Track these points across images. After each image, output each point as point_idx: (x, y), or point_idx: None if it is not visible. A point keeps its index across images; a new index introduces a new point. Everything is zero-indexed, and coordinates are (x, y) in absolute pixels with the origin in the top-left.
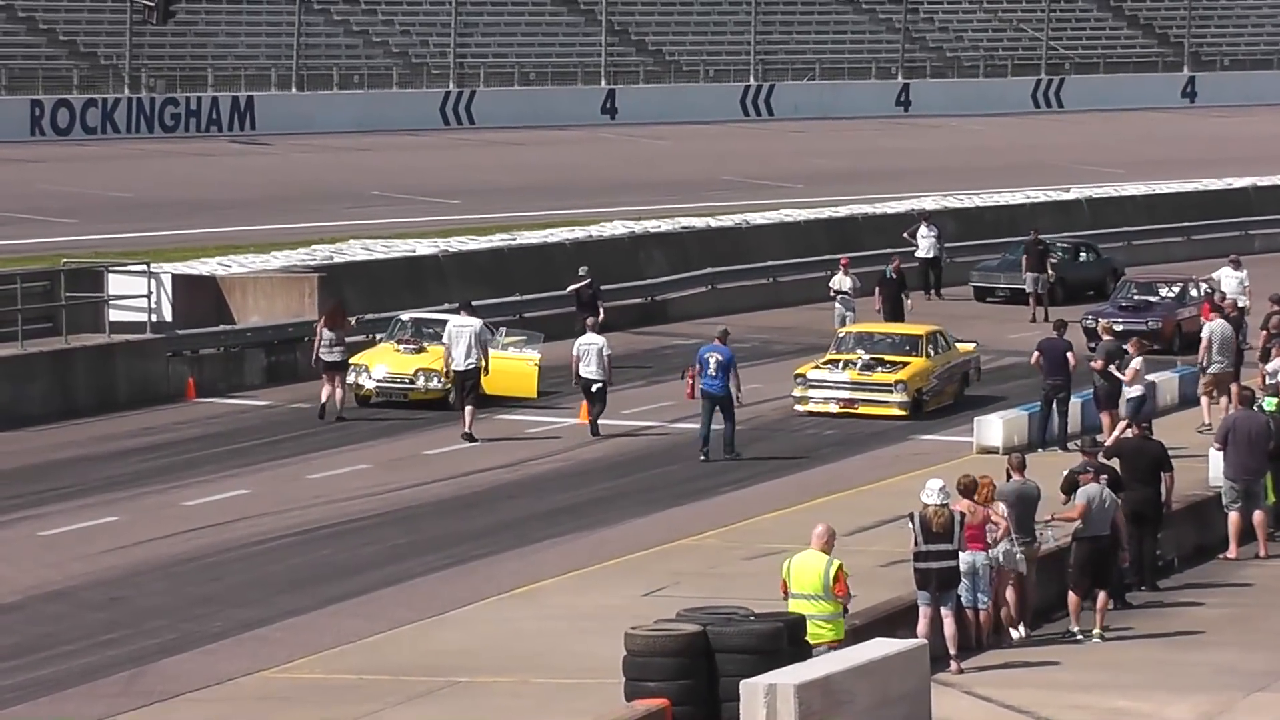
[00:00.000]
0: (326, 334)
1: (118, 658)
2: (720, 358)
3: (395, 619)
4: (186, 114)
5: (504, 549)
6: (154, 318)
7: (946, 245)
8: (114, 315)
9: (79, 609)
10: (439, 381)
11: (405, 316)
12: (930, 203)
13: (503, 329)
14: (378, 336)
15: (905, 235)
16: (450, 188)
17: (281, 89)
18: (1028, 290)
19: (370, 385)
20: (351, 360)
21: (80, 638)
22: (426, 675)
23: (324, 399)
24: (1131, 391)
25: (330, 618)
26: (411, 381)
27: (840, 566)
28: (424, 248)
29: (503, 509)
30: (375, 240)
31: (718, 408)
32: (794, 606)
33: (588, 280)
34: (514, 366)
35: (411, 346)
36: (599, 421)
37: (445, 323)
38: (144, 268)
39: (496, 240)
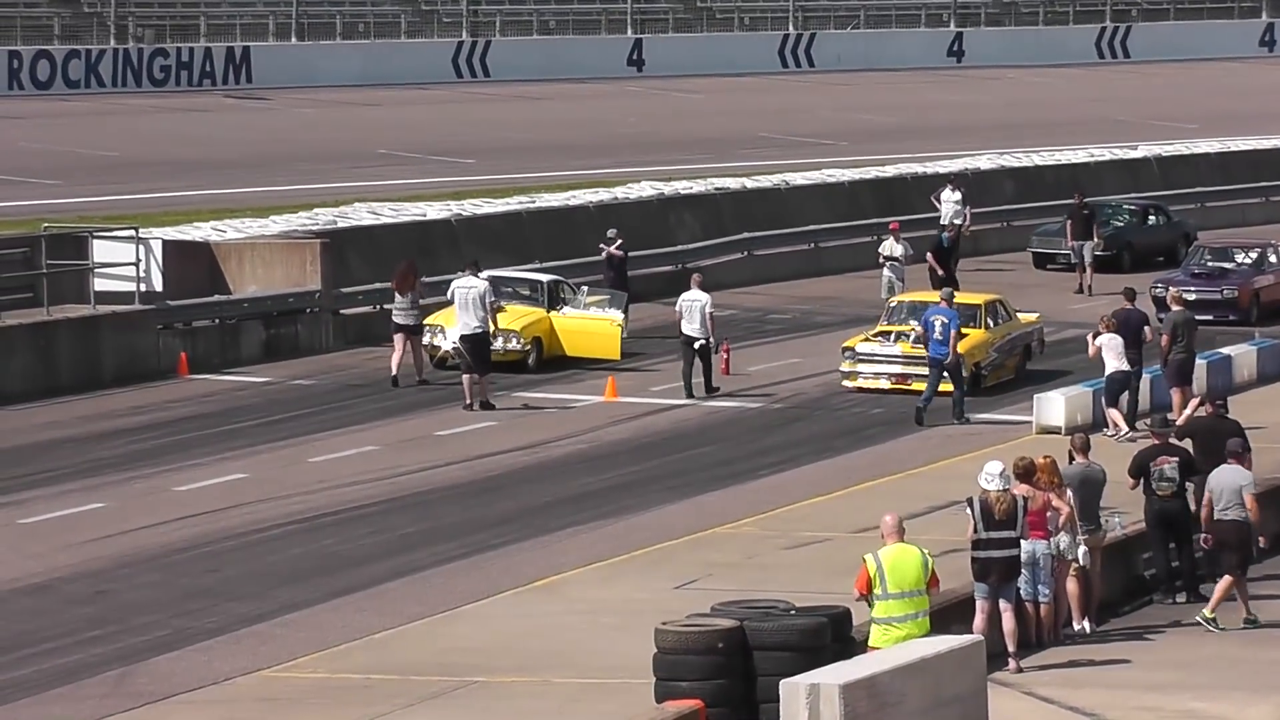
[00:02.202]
0: (398, 296)
1: (105, 656)
2: (945, 319)
3: (405, 614)
4: (177, 66)
5: (523, 538)
6: (143, 287)
7: (1007, 207)
8: (99, 284)
9: (62, 603)
10: (518, 342)
11: (483, 274)
12: (985, 161)
13: (584, 288)
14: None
15: (931, 199)
16: (463, 146)
17: (280, 39)
18: (1073, 260)
19: (447, 346)
20: (426, 321)
21: (64, 635)
22: (439, 675)
23: (395, 366)
24: (1108, 369)
25: (335, 613)
26: (490, 342)
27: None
28: (435, 211)
29: (521, 494)
30: (382, 203)
31: (945, 371)
32: (895, 608)
33: (618, 242)
34: (597, 327)
35: (497, 305)
36: (711, 379)
37: (527, 281)
38: (132, 233)
39: (514, 203)
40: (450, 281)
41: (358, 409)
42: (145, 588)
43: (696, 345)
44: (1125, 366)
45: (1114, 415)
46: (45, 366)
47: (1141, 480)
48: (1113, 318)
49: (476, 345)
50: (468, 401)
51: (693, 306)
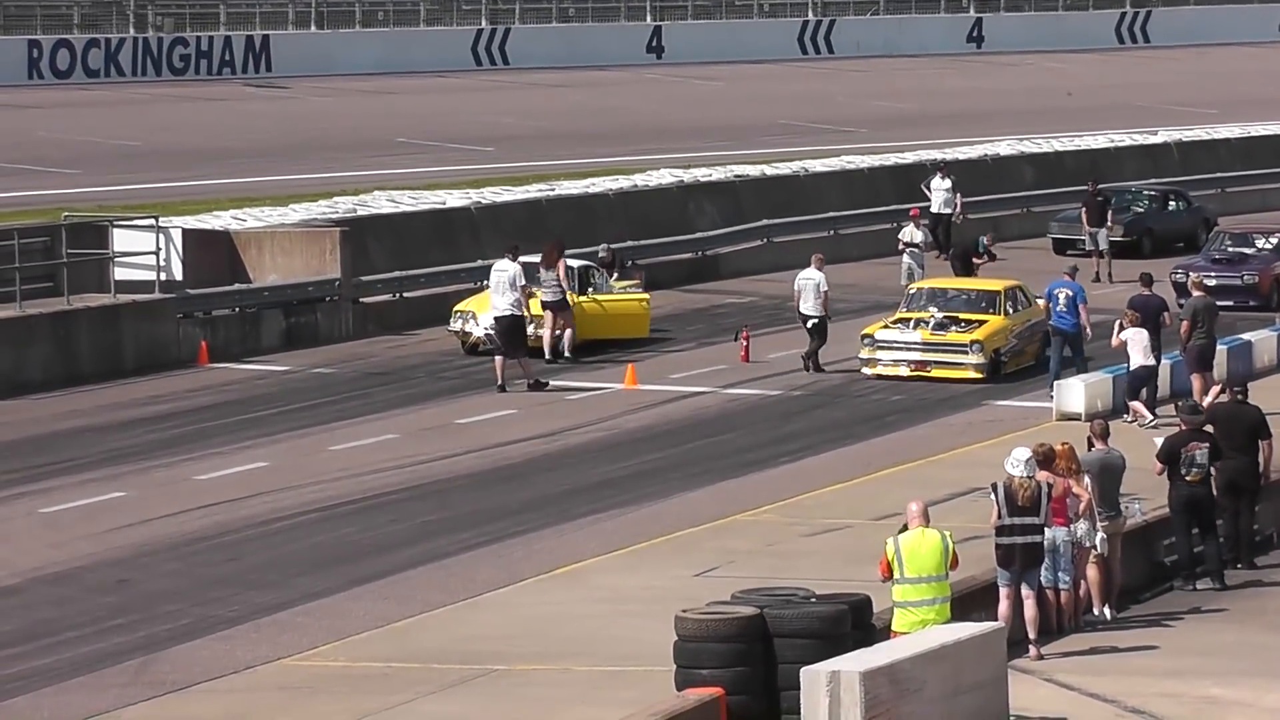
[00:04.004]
0: (543, 273)
1: (126, 645)
2: (1070, 292)
3: (426, 602)
4: (197, 55)
5: (543, 526)
6: (163, 276)
7: (1026, 194)
8: (120, 274)
9: (84, 592)
10: None
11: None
12: (1005, 147)
13: (602, 270)
14: (484, 283)
15: (921, 187)
16: (482, 134)
17: (299, 27)
18: (1088, 247)
19: (478, 333)
20: (457, 307)
21: (86, 623)
22: (460, 663)
23: (547, 341)
24: (1132, 363)
25: (355, 601)
26: None
27: (951, 537)
28: (455, 199)
29: (541, 482)
30: (402, 191)
31: (1066, 343)
32: (912, 593)
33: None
34: (625, 307)
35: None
36: (817, 356)
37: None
38: (152, 222)
39: (533, 191)
40: (468, 269)
41: (378, 397)
42: (166, 576)
43: (810, 323)
44: (1150, 361)
45: (1136, 406)
46: (66, 355)
47: (1167, 466)
48: (1131, 305)
49: (507, 328)
50: (499, 383)
51: (807, 285)
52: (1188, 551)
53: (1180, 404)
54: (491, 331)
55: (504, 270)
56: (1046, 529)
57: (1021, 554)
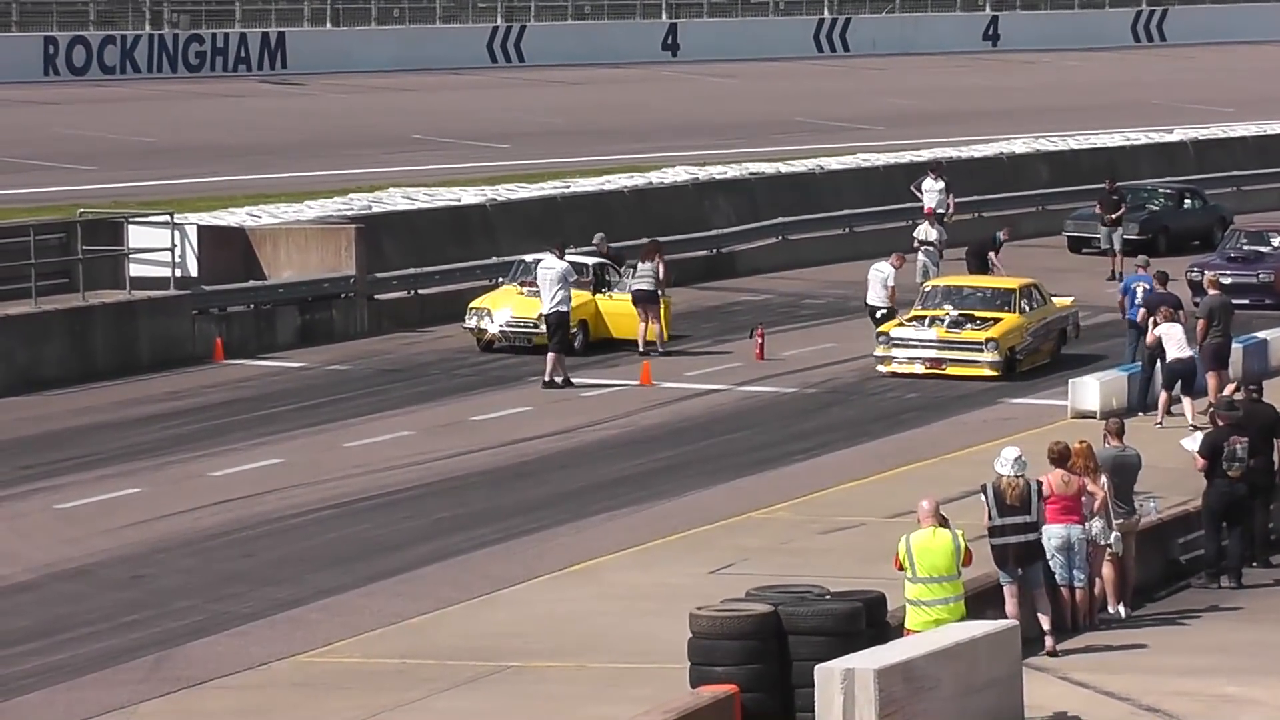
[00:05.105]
0: (641, 266)
1: (141, 641)
2: (1147, 285)
3: (441, 599)
4: (212, 52)
5: (558, 523)
6: (178, 273)
7: (1042, 191)
8: (135, 270)
9: (99, 588)
10: None
11: (529, 258)
12: (1021, 145)
13: (629, 272)
14: (499, 280)
15: (911, 188)
16: (498, 131)
17: (315, 24)
18: (1102, 245)
19: (494, 330)
20: (473, 304)
21: (100, 619)
22: (475, 659)
23: (641, 335)
24: (1168, 356)
25: (370, 597)
26: (536, 325)
27: (963, 535)
28: (470, 196)
29: (556, 479)
30: (417, 188)
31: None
32: (924, 592)
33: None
34: None
35: (535, 289)
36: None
37: (572, 264)
38: (167, 219)
39: (548, 188)
40: (483, 266)
41: (393, 394)
42: (181, 573)
43: (878, 314)
44: (1186, 354)
45: (1162, 401)
46: (81, 352)
47: (1209, 462)
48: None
49: (554, 323)
50: (548, 379)
51: (876, 277)
52: (1215, 549)
53: (1215, 400)
54: (507, 329)
55: (551, 268)
56: (1059, 526)
57: (1015, 553)
